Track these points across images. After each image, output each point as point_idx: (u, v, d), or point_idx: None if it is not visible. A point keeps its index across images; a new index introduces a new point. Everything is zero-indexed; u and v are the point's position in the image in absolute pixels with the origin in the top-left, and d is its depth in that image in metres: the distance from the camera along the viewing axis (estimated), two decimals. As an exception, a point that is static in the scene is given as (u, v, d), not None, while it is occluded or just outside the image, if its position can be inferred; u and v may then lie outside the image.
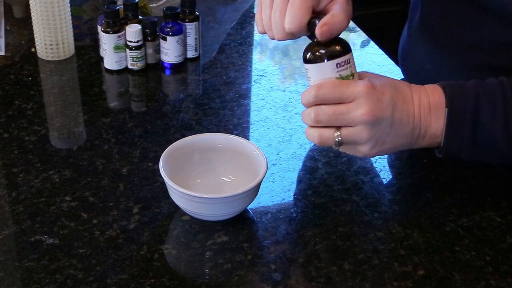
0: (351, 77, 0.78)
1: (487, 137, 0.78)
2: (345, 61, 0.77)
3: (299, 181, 0.93)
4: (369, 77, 0.79)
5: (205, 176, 0.90)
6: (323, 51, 0.77)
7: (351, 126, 0.77)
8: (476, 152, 0.80)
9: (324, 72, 0.77)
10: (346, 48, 0.77)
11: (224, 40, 1.29)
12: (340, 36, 0.78)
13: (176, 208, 0.87)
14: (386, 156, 0.97)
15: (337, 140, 0.78)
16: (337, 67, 0.77)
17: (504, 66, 0.89)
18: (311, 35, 0.78)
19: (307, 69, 0.79)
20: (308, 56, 0.78)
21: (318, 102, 0.78)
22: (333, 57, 0.77)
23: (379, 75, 0.81)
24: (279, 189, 0.91)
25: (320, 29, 0.76)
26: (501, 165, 0.93)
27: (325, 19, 0.76)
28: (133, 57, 1.16)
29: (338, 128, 0.78)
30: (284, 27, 0.77)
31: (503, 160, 0.84)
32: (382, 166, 0.96)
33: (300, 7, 0.76)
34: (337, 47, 0.77)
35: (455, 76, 0.95)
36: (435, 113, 0.79)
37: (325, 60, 0.77)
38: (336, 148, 0.80)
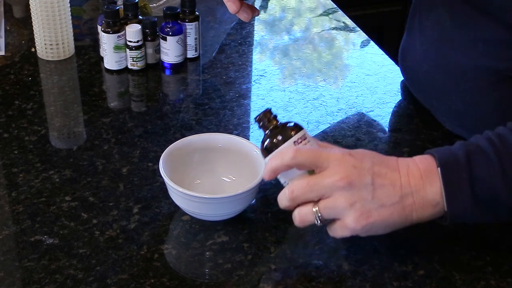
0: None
1: (488, 192, 0.73)
2: (301, 137, 0.77)
3: (299, 181, 0.93)
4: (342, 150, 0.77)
5: (205, 176, 0.90)
6: (275, 138, 0.77)
7: (328, 197, 0.74)
8: (482, 211, 0.74)
9: None
10: (296, 127, 0.78)
11: (224, 40, 1.29)
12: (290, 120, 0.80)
13: (176, 208, 0.87)
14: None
15: (316, 213, 0.75)
16: (295, 145, 0.77)
17: (499, 65, 0.90)
18: (262, 128, 0.79)
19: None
20: (264, 147, 0.78)
21: (291, 165, 0.75)
22: (287, 138, 0.77)
23: (363, 150, 0.78)
24: (279, 189, 0.91)
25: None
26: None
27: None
28: (133, 57, 1.16)
29: (316, 202, 0.75)
30: None
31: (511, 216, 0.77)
32: (382, 166, 0.96)
33: None
34: (287, 130, 0.78)
35: (453, 77, 0.96)
36: (428, 179, 0.74)
37: (282, 144, 0.77)
38: (320, 224, 0.75)
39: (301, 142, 0.77)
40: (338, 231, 0.76)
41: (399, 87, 1.15)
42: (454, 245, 0.83)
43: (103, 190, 0.90)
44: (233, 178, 0.90)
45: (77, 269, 0.78)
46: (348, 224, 0.74)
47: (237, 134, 1.00)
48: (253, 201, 0.86)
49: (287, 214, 0.87)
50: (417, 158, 0.76)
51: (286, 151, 0.76)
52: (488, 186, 0.73)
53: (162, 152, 0.86)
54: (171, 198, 0.85)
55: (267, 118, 0.79)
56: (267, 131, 0.79)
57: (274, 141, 0.77)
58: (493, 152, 0.73)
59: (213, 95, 1.12)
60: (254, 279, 0.78)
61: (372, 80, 1.16)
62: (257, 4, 1.43)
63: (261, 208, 0.88)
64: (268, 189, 0.91)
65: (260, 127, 0.80)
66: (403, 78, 1.14)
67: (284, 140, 0.77)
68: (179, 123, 1.04)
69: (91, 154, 0.96)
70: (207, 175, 0.90)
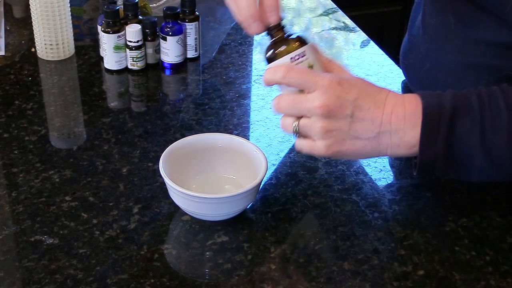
0: (309, 69, 0.79)
1: (463, 153, 0.74)
2: (299, 54, 0.79)
3: (299, 181, 0.93)
4: (343, 74, 0.79)
5: (205, 176, 0.90)
6: (278, 49, 0.79)
7: (308, 118, 0.77)
8: (453, 167, 0.76)
9: None
10: (300, 42, 0.79)
11: (224, 40, 1.29)
12: (299, 33, 0.81)
13: (176, 208, 0.87)
14: (386, 156, 0.96)
15: (294, 127, 0.78)
16: (291, 61, 0.78)
17: (501, 65, 0.90)
18: (269, 37, 0.81)
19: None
20: (266, 56, 0.80)
21: (281, 82, 0.78)
22: (288, 52, 0.79)
23: (358, 78, 0.80)
24: (279, 189, 0.91)
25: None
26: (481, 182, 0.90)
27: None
28: (133, 57, 1.16)
29: (298, 118, 0.78)
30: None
31: (482, 176, 0.78)
32: (382, 166, 0.96)
33: None
34: (291, 43, 0.79)
35: (454, 75, 0.95)
36: (410, 122, 0.75)
37: (281, 57, 0.79)
38: (295, 135, 0.79)
39: (298, 59, 0.78)
40: (307, 148, 0.79)
41: (399, 87, 1.15)
42: (454, 245, 0.83)
43: (103, 190, 0.90)
44: (233, 178, 0.90)
45: (77, 269, 0.78)
46: (318, 147, 0.77)
47: (237, 134, 1.01)
48: (253, 201, 0.86)
49: (287, 214, 0.87)
50: (407, 98, 0.77)
51: (278, 69, 0.77)
52: (466, 148, 0.73)
53: (162, 152, 0.86)
54: (171, 198, 0.85)
55: (276, 28, 0.80)
56: (272, 40, 0.80)
57: (276, 52, 0.79)
58: (479, 113, 0.73)
59: (213, 95, 1.12)
60: (254, 279, 0.78)
61: (372, 80, 1.15)
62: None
63: (261, 208, 0.88)
64: (268, 189, 0.91)
65: (267, 34, 0.81)
66: (403, 78, 1.14)
67: (284, 53, 0.78)
68: (179, 123, 1.04)
69: (91, 154, 0.96)
70: (207, 175, 0.90)
